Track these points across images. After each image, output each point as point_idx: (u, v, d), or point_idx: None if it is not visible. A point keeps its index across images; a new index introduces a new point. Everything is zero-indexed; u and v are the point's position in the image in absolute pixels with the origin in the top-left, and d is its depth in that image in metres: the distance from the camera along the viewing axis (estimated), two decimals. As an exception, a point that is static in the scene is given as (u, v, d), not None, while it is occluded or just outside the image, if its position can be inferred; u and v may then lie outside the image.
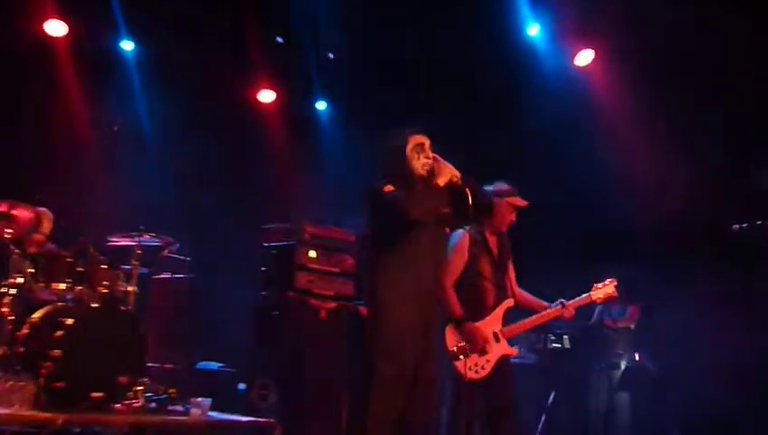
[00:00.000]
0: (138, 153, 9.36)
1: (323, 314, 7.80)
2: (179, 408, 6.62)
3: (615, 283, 6.44)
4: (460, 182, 5.30)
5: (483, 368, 6.10)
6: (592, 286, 6.45)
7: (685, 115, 8.47)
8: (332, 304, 7.87)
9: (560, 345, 9.28)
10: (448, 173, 5.29)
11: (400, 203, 5.11)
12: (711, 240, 8.33)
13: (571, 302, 6.36)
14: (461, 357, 6.05)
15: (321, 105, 11.11)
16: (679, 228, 8.78)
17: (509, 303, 6.31)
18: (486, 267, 6.25)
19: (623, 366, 9.07)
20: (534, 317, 6.38)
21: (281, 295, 7.79)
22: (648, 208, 8.92)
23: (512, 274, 6.51)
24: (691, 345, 8.56)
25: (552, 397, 8.79)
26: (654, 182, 8.87)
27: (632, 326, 9.18)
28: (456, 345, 6.10)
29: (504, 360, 6.24)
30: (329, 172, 10.26)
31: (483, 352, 6.14)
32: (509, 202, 6.33)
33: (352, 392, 7.49)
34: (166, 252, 7.92)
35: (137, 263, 7.17)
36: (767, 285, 8.06)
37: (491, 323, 6.23)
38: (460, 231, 6.31)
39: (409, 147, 5.40)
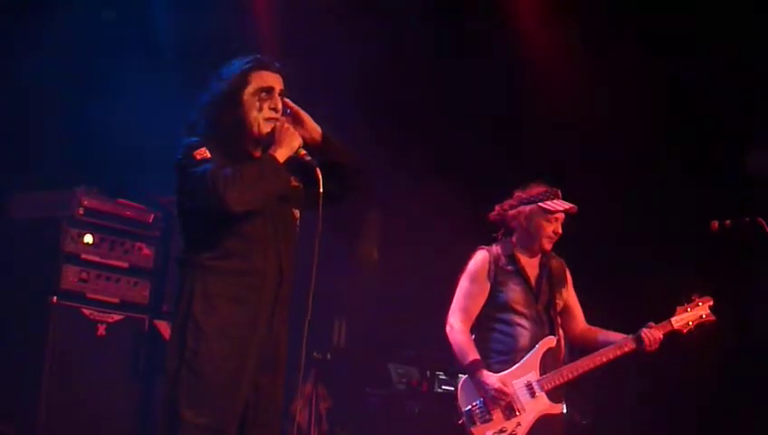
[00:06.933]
0: None
1: (102, 330, 5.93)
2: None
3: (711, 301, 4.98)
4: (308, 158, 3.73)
5: None
6: (675, 309, 4.95)
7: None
8: (116, 316, 6.04)
9: (453, 389, 6.21)
10: (293, 143, 3.68)
11: (215, 184, 3.54)
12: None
13: (658, 326, 4.89)
14: (478, 422, 4.77)
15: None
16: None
17: (549, 342, 4.91)
18: (517, 296, 4.95)
19: None
20: (594, 355, 4.88)
21: (36, 301, 5.75)
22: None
23: (574, 309, 5.16)
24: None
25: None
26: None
27: None
28: (472, 404, 4.80)
29: (547, 423, 4.84)
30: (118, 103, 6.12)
31: (510, 412, 4.80)
32: (543, 208, 4.94)
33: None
34: None
35: None
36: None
37: (523, 371, 4.87)
38: (479, 252, 5.03)
39: (249, 88, 3.73)
